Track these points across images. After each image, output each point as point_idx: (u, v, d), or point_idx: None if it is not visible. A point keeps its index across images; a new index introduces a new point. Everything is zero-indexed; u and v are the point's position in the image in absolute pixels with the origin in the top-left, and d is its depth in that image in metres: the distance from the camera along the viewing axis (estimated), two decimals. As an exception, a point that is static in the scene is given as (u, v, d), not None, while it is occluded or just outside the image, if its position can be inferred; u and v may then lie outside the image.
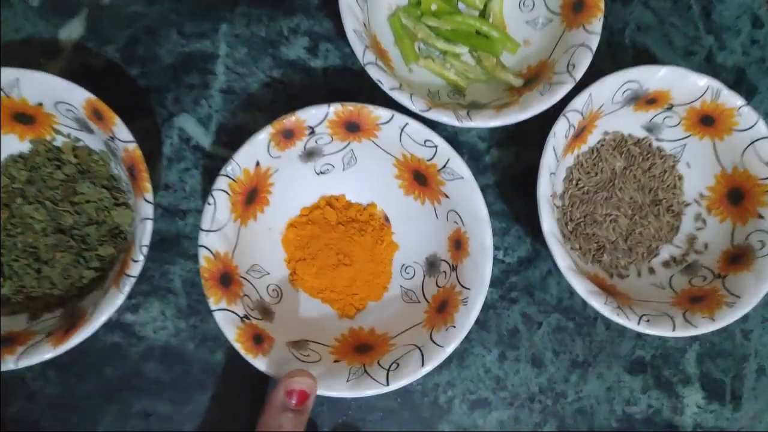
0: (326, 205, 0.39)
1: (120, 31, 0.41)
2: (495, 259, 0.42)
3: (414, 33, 0.41)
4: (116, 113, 0.34)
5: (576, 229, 0.40)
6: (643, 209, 0.40)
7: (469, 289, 0.34)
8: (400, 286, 0.39)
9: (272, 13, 0.42)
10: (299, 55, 0.42)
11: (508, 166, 0.43)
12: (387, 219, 0.40)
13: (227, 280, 0.34)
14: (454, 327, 0.33)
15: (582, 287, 0.35)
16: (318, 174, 0.39)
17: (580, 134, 0.39)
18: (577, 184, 0.40)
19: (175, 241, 0.40)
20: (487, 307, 0.41)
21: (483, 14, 0.42)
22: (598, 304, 0.35)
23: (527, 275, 0.42)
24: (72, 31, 0.41)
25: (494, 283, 0.41)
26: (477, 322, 0.40)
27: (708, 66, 0.45)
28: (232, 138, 0.41)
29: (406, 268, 0.39)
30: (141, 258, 0.32)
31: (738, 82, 0.45)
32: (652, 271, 0.41)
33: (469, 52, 0.42)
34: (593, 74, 0.43)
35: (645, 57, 0.45)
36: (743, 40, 0.46)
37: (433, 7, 0.41)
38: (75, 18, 0.41)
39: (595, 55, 0.43)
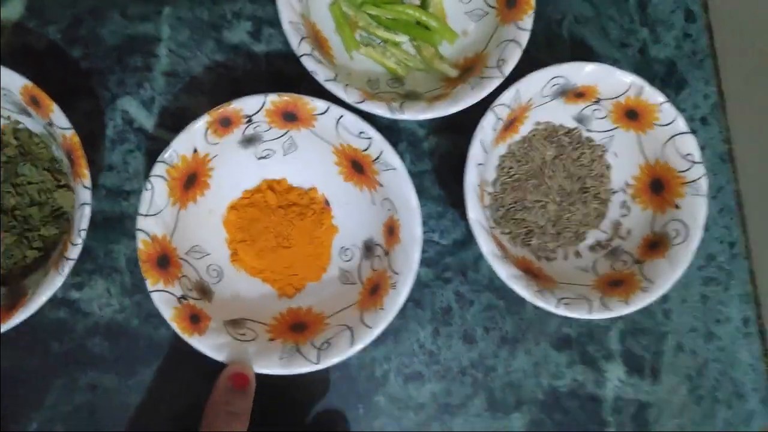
0: (267, 189, 0.40)
1: (62, 11, 0.41)
2: (431, 241, 0.44)
3: (355, 21, 0.42)
4: (58, 95, 0.35)
5: (507, 214, 0.42)
6: (572, 196, 0.43)
7: (398, 274, 0.36)
8: (339, 267, 0.40)
9: (216, -4, 0.43)
10: (242, 40, 0.43)
11: (445, 153, 0.44)
12: (327, 203, 0.41)
13: (165, 261, 0.35)
14: (383, 309, 0.36)
15: (503, 271, 0.37)
16: (259, 159, 0.40)
17: (511, 125, 0.41)
18: (508, 172, 0.42)
19: (119, 221, 0.41)
20: (422, 286, 0.43)
21: (424, 4, 0.43)
22: (519, 287, 0.37)
23: (461, 256, 0.44)
24: (12, 10, 0.41)
25: (429, 263, 0.43)
26: (412, 299, 0.42)
27: (642, 58, 0.47)
28: (175, 121, 0.42)
29: (345, 250, 0.41)
30: (79, 242, 0.34)
31: (669, 74, 0.47)
32: (578, 254, 0.43)
33: (410, 41, 0.43)
34: (531, 64, 0.45)
35: (581, 48, 0.46)
36: (676, 33, 0.48)
37: (375, -4, 0.42)
38: (15, -3, 0.41)
39: (533, 46, 0.45)
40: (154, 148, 0.41)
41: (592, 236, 0.43)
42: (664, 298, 0.46)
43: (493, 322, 0.44)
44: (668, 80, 0.47)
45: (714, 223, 0.47)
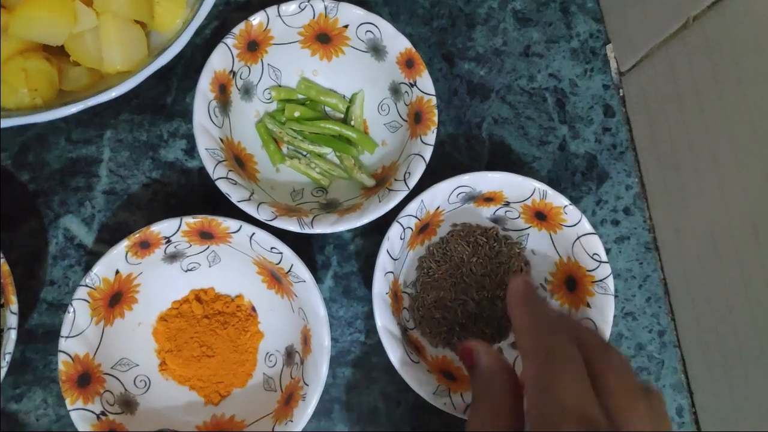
0: (194, 299, 0.42)
1: (12, 139, 0.45)
2: (357, 341, 0.45)
3: (280, 137, 0.45)
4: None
5: (427, 313, 0.44)
6: (491, 293, 0.44)
7: (308, 385, 0.38)
8: (263, 373, 0.42)
9: (153, 118, 0.46)
10: (177, 157, 0.46)
11: (370, 254, 0.46)
12: (254, 309, 0.43)
13: (86, 380, 0.37)
14: (292, 421, 0.37)
15: (411, 378, 0.38)
16: (186, 271, 0.42)
17: (428, 228, 0.43)
18: (428, 272, 0.44)
19: (57, 333, 0.43)
20: (349, 387, 0.44)
21: (346, 117, 0.46)
22: (427, 394, 0.38)
23: (387, 356, 0.45)
24: (-33, 140, 0.45)
25: (356, 363, 0.45)
26: (339, 401, 0.44)
27: (561, 154, 0.49)
28: (113, 235, 0.45)
29: (270, 356, 0.42)
30: (5, 364, 0.36)
31: (590, 167, 0.49)
32: (500, 351, 0.44)
33: (333, 152, 0.46)
34: (452, 167, 0.47)
35: (501, 148, 0.49)
36: (595, 128, 0.50)
37: (296, 114, 0.45)
38: (-31, 129, 0.45)
39: (455, 149, 0.48)
40: (93, 262, 0.44)
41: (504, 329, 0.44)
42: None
43: (420, 421, 0.45)
44: (589, 173, 0.49)
45: (642, 312, 0.48)
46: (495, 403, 0.27)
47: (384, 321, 0.39)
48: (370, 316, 0.46)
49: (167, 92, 0.47)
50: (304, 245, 0.45)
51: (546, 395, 0.24)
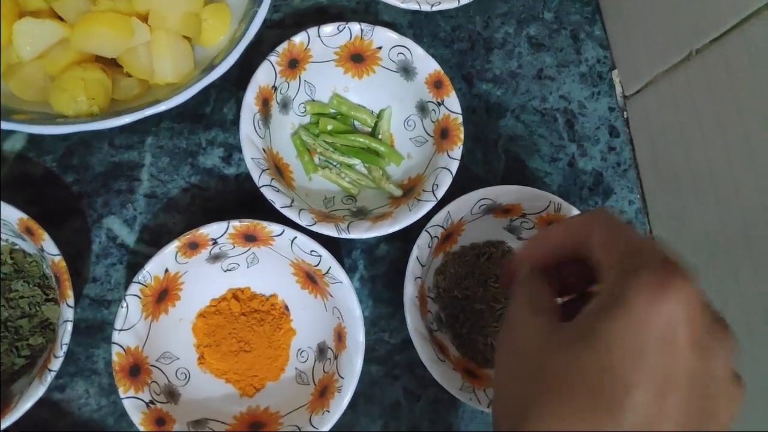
0: (232, 298, 0.45)
1: (58, 143, 0.48)
2: (382, 340, 0.48)
3: (314, 148, 0.48)
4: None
5: (448, 318, 0.47)
6: (502, 300, 0.48)
7: (343, 378, 0.41)
8: (296, 368, 0.45)
9: (193, 127, 0.49)
10: (215, 164, 0.49)
11: (395, 259, 0.50)
12: (287, 308, 0.46)
13: (136, 370, 0.40)
14: (329, 412, 0.40)
15: (440, 375, 0.41)
16: (225, 271, 0.45)
17: (450, 237, 0.46)
18: (449, 280, 0.47)
19: (100, 328, 0.46)
20: (373, 383, 0.48)
21: (374, 131, 0.50)
22: (454, 389, 0.41)
23: (409, 354, 0.48)
24: (15, 143, 0.47)
25: (380, 361, 0.48)
26: (363, 395, 0.47)
27: (570, 170, 0.53)
28: (153, 237, 0.47)
29: (302, 352, 0.45)
30: (61, 354, 0.38)
31: (596, 183, 0.53)
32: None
33: (362, 163, 0.49)
34: (470, 179, 0.51)
35: (516, 163, 0.53)
36: (601, 147, 0.54)
37: (329, 127, 0.48)
38: (18, 131, 0.47)
39: (473, 163, 0.51)
40: (134, 261, 0.47)
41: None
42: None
43: (439, 415, 0.48)
44: (596, 189, 0.53)
45: (642, 318, 0.51)
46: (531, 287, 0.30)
47: (414, 323, 0.42)
48: (393, 317, 0.49)
49: (206, 103, 0.50)
50: (333, 249, 0.48)
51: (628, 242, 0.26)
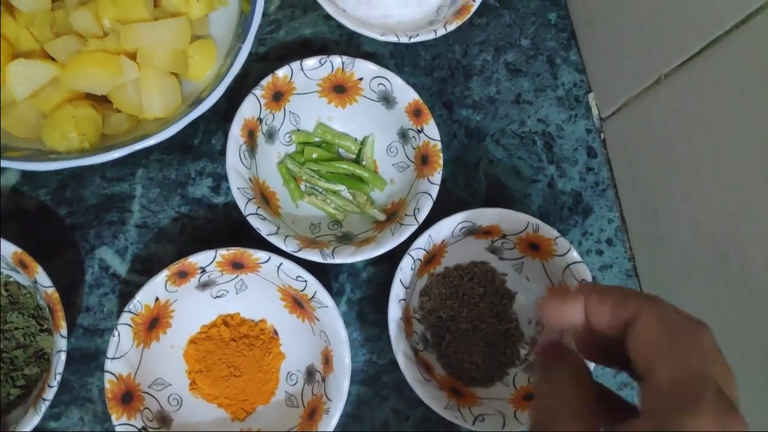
0: (222, 324, 0.46)
1: (51, 177, 0.49)
2: (370, 361, 0.49)
3: (299, 175, 0.50)
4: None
5: (434, 337, 0.48)
6: (485, 321, 0.49)
7: (331, 400, 0.42)
8: (285, 391, 0.46)
9: (182, 158, 0.51)
10: (204, 194, 0.51)
11: (381, 281, 0.51)
12: (276, 332, 0.47)
13: (129, 397, 0.41)
14: (317, 433, 0.41)
15: (425, 395, 0.42)
16: (215, 298, 0.46)
17: (433, 259, 0.48)
18: (433, 300, 0.49)
19: (93, 356, 0.47)
20: (362, 403, 0.49)
21: (358, 158, 0.51)
22: (439, 408, 0.42)
23: (397, 374, 0.49)
24: (10, 177, 0.49)
25: (368, 382, 0.49)
26: (353, 416, 0.48)
27: (550, 191, 0.55)
28: (145, 266, 0.49)
29: (291, 375, 0.46)
30: (55, 384, 0.40)
31: (576, 203, 0.55)
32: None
33: (347, 189, 0.51)
34: (453, 201, 0.53)
35: (496, 186, 0.54)
36: (580, 168, 0.56)
37: (314, 155, 0.50)
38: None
39: (455, 185, 0.53)
40: (126, 290, 0.48)
41: (513, 352, 0.49)
42: (583, 405, 0.51)
43: (428, 433, 0.49)
44: (575, 209, 0.55)
45: (624, 333, 0.53)
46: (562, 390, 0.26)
47: (399, 344, 0.43)
48: (380, 339, 0.50)
49: (194, 135, 0.51)
50: (320, 273, 0.50)
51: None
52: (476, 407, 0.44)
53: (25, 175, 0.49)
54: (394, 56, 0.55)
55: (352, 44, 0.55)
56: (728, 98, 0.41)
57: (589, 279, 0.46)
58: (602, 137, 0.56)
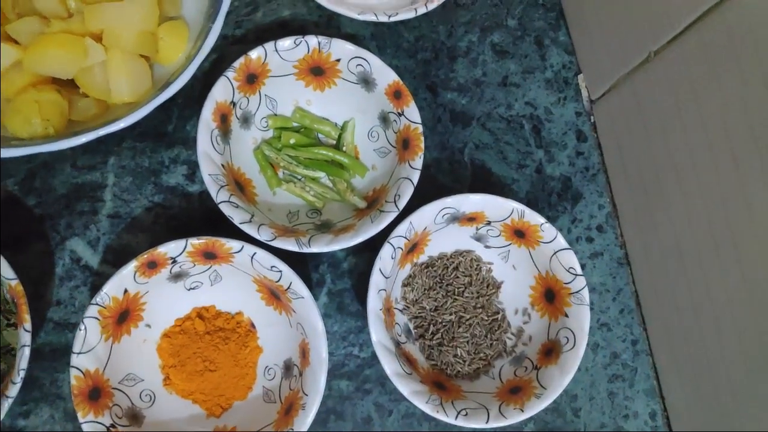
0: (197, 317, 0.45)
1: (20, 166, 0.48)
2: (351, 354, 0.48)
3: (277, 162, 0.48)
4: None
5: (418, 328, 0.46)
6: (471, 310, 0.47)
7: (307, 395, 0.40)
8: (263, 386, 0.44)
9: (155, 145, 0.49)
10: (178, 182, 0.49)
11: (363, 271, 0.49)
12: (253, 325, 0.46)
13: (96, 394, 0.39)
14: (293, 430, 0.39)
15: (406, 389, 0.41)
16: (188, 290, 0.45)
17: (415, 247, 0.46)
18: (416, 289, 0.47)
19: (64, 352, 0.45)
20: (343, 398, 0.47)
21: (338, 143, 0.49)
22: (420, 402, 0.41)
23: (379, 368, 0.47)
24: (-25, 167, 0.47)
25: (350, 376, 0.47)
26: (334, 412, 0.46)
27: (538, 177, 0.53)
28: (117, 257, 0.47)
29: (269, 369, 0.45)
30: (18, 380, 0.38)
31: (565, 189, 0.53)
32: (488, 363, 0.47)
33: (326, 176, 0.49)
34: (438, 188, 0.51)
35: (482, 171, 0.52)
36: (569, 152, 0.54)
37: (292, 141, 0.48)
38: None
39: (439, 172, 0.51)
40: (98, 282, 0.46)
41: (500, 343, 0.47)
42: (573, 397, 0.49)
43: (411, 428, 0.47)
44: (564, 194, 0.53)
45: (616, 323, 0.51)
46: None
47: (378, 336, 0.41)
48: (362, 331, 0.48)
49: (168, 121, 0.50)
50: (300, 264, 0.48)
51: None
52: (459, 401, 0.42)
53: (-8, 164, 0.47)
54: (375, 38, 0.53)
55: (331, 26, 0.53)
56: (722, 73, 0.39)
57: (577, 267, 0.44)
58: (592, 120, 0.55)
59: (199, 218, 0.48)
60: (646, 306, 0.51)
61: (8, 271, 0.39)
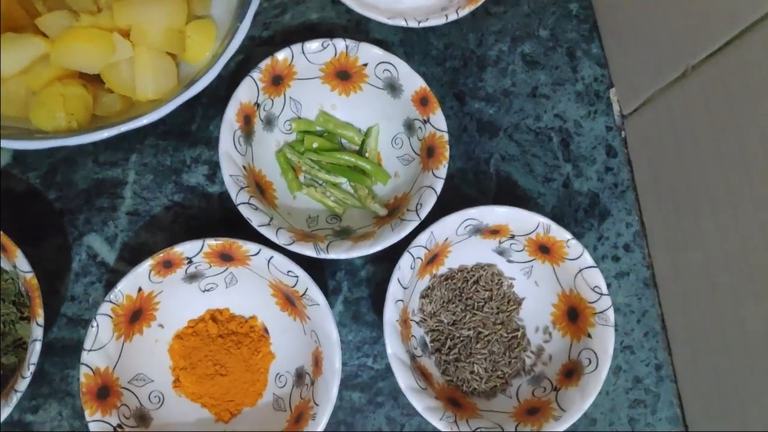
0: (210, 319, 0.44)
1: (42, 160, 0.48)
2: (365, 365, 0.47)
3: (299, 166, 0.47)
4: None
5: (434, 342, 0.45)
6: (490, 327, 0.45)
7: (318, 405, 0.39)
8: (273, 393, 0.43)
9: (178, 144, 0.49)
10: (199, 182, 0.48)
11: (381, 281, 0.48)
12: (266, 330, 0.45)
13: (105, 392, 0.39)
14: (302, 440, 0.38)
15: (419, 404, 0.39)
16: (203, 291, 0.44)
17: (435, 258, 0.45)
18: (435, 302, 0.46)
19: (76, 348, 0.45)
20: (355, 411, 0.46)
21: (361, 149, 0.49)
22: (434, 419, 0.39)
23: (393, 381, 0.46)
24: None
25: (363, 387, 0.46)
26: (345, 423, 0.45)
27: (565, 191, 0.51)
28: (134, 255, 0.47)
29: (280, 376, 0.44)
30: (28, 375, 0.37)
31: (592, 205, 0.52)
32: (506, 382, 0.45)
33: (348, 181, 0.48)
34: (461, 198, 0.50)
35: (507, 183, 0.51)
36: (598, 167, 0.52)
37: (315, 145, 0.47)
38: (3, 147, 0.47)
39: (464, 182, 0.50)
40: (113, 280, 0.46)
41: (518, 362, 0.46)
42: (592, 421, 0.47)
43: (425, 444, 0.46)
44: (591, 211, 0.51)
45: (640, 346, 0.49)
46: None
47: (394, 348, 0.40)
48: (377, 342, 0.47)
49: (192, 120, 0.49)
50: (317, 270, 0.47)
51: None
52: (474, 420, 0.41)
53: (16, 156, 0.47)
54: (404, 44, 0.53)
55: (360, 30, 0.53)
56: (762, 93, 0.37)
57: (603, 286, 0.43)
58: (623, 135, 0.53)
59: (218, 219, 0.48)
60: (672, 330, 0.49)
61: (24, 264, 0.39)
